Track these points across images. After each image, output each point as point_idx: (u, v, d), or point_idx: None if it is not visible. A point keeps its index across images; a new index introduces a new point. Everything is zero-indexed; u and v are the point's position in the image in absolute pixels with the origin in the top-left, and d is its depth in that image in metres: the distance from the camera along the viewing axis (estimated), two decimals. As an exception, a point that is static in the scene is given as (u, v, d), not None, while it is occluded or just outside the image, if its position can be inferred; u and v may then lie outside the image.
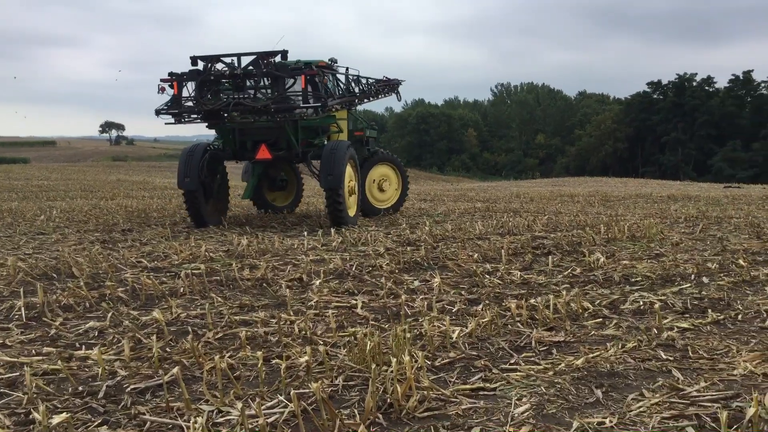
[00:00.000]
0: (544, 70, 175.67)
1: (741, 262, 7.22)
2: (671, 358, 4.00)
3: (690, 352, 4.10)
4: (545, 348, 4.26)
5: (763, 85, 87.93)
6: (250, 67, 10.68)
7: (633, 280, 6.39)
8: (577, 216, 13.91)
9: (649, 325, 4.72)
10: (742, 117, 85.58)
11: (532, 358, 4.05)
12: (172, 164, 72.00)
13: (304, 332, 4.50)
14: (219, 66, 10.82)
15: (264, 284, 6.24)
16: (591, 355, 4.04)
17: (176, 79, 10.80)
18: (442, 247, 8.72)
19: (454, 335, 4.38)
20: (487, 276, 6.51)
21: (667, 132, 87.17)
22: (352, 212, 11.89)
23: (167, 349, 4.26)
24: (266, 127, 11.45)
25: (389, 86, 15.27)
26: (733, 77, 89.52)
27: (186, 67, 10.93)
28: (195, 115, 11.04)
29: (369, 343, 3.84)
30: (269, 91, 10.82)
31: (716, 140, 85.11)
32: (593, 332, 4.59)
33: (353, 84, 13.79)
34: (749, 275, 6.40)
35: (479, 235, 10.21)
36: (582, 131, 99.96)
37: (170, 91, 10.88)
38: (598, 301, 5.46)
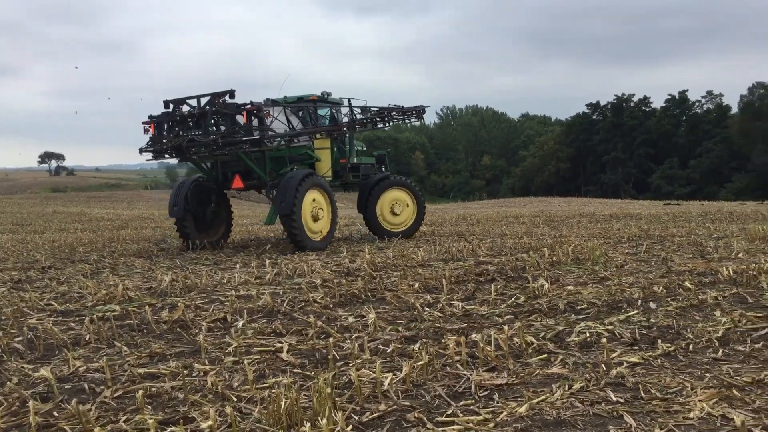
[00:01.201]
0: (487, 93, 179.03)
1: (687, 284, 7.00)
2: (622, 400, 3.64)
3: (642, 392, 3.74)
4: (486, 393, 3.85)
5: (697, 104, 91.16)
6: (207, 107, 11.81)
7: (578, 307, 6.08)
8: (521, 238, 13.70)
9: (597, 361, 4.37)
10: (678, 135, 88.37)
11: (472, 407, 3.63)
12: (113, 194, 70.05)
13: (216, 387, 3.98)
14: (185, 108, 12.12)
15: (181, 327, 5.67)
16: (535, 400, 3.65)
17: (153, 121, 12.19)
18: (382, 277, 8.29)
19: (386, 382, 3.93)
20: (427, 309, 6.10)
21: (607, 151, 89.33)
22: (318, 237, 12.40)
23: (54, 414, 3.68)
24: (241, 159, 12.39)
25: (412, 112, 15.93)
26: (669, 97, 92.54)
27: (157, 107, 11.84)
28: (168, 152, 12.22)
29: (285, 400, 3.36)
30: (222, 128, 11.87)
31: (654, 159, 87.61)
32: (538, 371, 4.20)
33: (353, 114, 14.53)
34: (697, 299, 6.16)
35: (422, 262, 9.84)
36: (526, 152, 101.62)
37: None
38: (543, 333, 5.09)
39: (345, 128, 14.36)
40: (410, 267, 9.26)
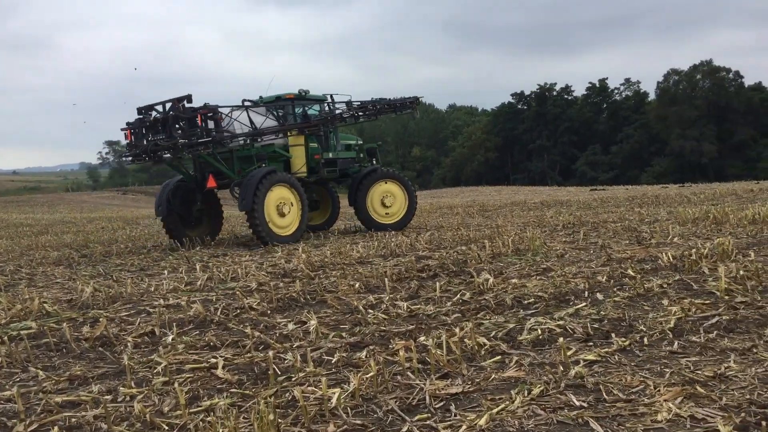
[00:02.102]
0: (414, 84, 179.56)
1: (630, 272, 6.96)
2: (585, 404, 3.44)
3: (604, 393, 3.55)
4: (442, 404, 3.58)
5: (616, 91, 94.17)
6: (171, 112, 12.41)
7: (526, 302, 5.91)
8: (458, 230, 13.59)
9: (553, 360, 4.17)
10: (599, 122, 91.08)
11: (429, 421, 3.35)
12: (33, 197, 66.68)
13: (144, 414, 3.56)
14: (154, 113, 12.72)
15: (105, 345, 5.18)
16: (495, 410, 3.40)
17: (129, 128, 12.96)
18: (320, 278, 7.94)
19: (334, 399, 3.60)
20: (371, 311, 5.80)
21: (532, 140, 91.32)
22: (286, 231, 12.87)
23: (-47, 460, 3.19)
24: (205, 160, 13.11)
25: (401, 105, 16.25)
26: (589, 85, 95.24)
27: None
28: (141, 156, 13.01)
29: (223, 430, 2.99)
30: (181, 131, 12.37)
31: (578, 145, 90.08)
32: (493, 376, 3.97)
33: (331, 110, 14.82)
34: (642, 287, 6.09)
35: (361, 259, 9.54)
36: (455, 143, 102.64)
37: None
38: (494, 332, 4.88)
39: (316, 125, 14.39)
40: (349, 265, 8.95)
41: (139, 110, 12.90)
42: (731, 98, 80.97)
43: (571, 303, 5.77)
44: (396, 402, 3.62)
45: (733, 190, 26.38)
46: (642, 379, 3.74)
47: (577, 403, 3.45)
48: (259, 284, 7.57)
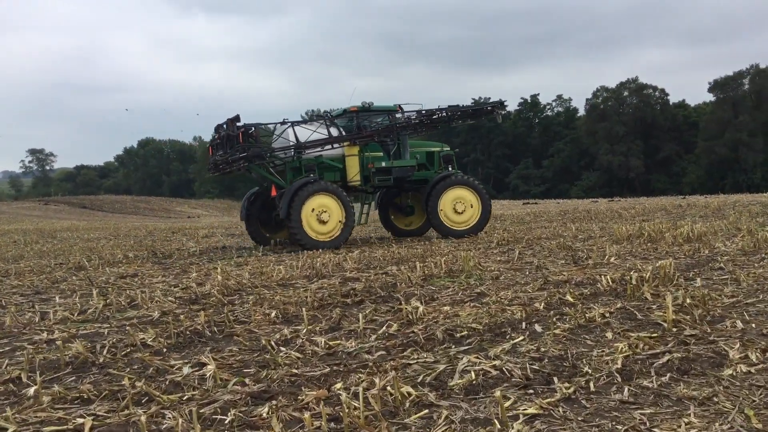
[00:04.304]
0: (347, 96, 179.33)
1: (569, 298, 6.46)
2: (528, 479, 2.81)
3: (550, 463, 2.94)
4: (354, 481, 2.89)
5: (548, 107, 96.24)
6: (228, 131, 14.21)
7: (459, 335, 5.29)
8: (390, 247, 12.98)
9: (488, 415, 3.55)
10: (532, 137, 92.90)
11: None
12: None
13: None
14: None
15: (-49, 399, 4.26)
16: (419, 490, 2.73)
17: (209, 145, 15.65)
18: (234, 305, 7.14)
19: (218, 479, 2.86)
20: (283, 348, 5.06)
21: (467, 153, 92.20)
22: (325, 237, 13.70)
23: None
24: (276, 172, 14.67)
25: (480, 111, 17.51)
26: (522, 100, 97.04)
27: None
28: (212, 169, 15.35)
29: None
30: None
31: (511, 159, 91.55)
32: (419, 437, 3.31)
33: (400, 118, 15.40)
34: (584, 317, 5.57)
35: (282, 281, 8.78)
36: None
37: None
38: (422, 376, 4.23)
39: (368, 136, 14.95)
40: (268, 288, 8.18)
41: (216, 129, 14.99)
42: (657, 115, 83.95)
43: (507, 336, 5.18)
44: (297, 480, 2.91)
45: (662, 205, 26.80)
46: (592, 441, 3.15)
47: (518, 478, 2.82)
48: (162, 313, 6.71)
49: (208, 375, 4.37)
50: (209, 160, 15.29)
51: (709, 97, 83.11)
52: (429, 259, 9.85)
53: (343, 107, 15.60)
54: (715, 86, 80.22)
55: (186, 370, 4.60)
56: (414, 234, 16.58)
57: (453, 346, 4.97)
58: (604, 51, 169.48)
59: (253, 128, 14.09)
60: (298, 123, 15.11)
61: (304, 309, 6.25)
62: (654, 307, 5.91)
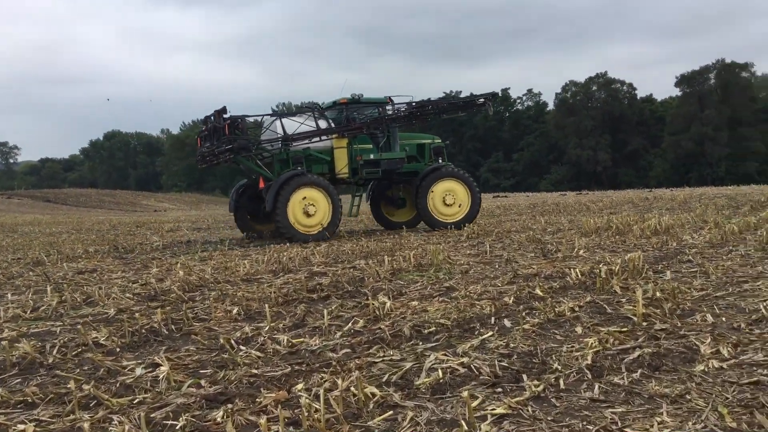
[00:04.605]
0: (323, 89, 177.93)
1: (538, 291, 6.36)
2: (495, 485, 2.66)
3: (518, 467, 2.80)
4: (312, 491, 2.71)
5: (518, 101, 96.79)
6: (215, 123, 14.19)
7: (426, 331, 5.14)
8: (359, 240, 12.80)
9: (455, 415, 3.39)
10: (502, 131, 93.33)
11: None
12: None
13: None
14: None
15: None
16: (381, 499, 2.57)
17: (198, 136, 15.45)
18: (194, 301, 6.90)
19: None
20: (243, 347, 4.85)
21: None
22: (312, 230, 13.61)
23: None
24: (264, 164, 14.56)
25: (470, 104, 16.93)
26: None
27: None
28: (199, 161, 15.07)
29: None
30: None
31: (482, 153, 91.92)
32: (382, 441, 3.14)
33: (391, 110, 15.37)
34: (553, 311, 5.46)
35: (247, 276, 8.54)
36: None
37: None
38: (387, 375, 4.06)
39: (356, 128, 14.75)
40: (231, 284, 7.94)
41: (203, 120, 14.94)
42: (625, 109, 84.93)
43: (476, 332, 5.04)
44: (251, 490, 2.72)
45: (629, 198, 27.05)
46: (563, 443, 3.02)
47: (485, 485, 2.67)
48: (118, 311, 6.45)
49: (161, 376, 4.14)
50: (197, 152, 15.17)
51: (676, 92, 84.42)
52: (398, 253, 9.70)
53: (333, 99, 15.51)
54: (682, 81, 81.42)
55: (139, 371, 4.36)
56: (405, 226, 16.38)
57: (420, 343, 4.81)
58: (574, 46, 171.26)
59: (239, 120, 13.99)
60: (286, 115, 15.04)
61: (267, 305, 6.03)
62: (623, 300, 5.82)
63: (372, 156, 15.07)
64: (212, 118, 14.31)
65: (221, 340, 4.95)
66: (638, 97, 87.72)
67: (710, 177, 71.25)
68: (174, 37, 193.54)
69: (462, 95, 20.21)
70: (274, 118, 14.82)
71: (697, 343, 4.37)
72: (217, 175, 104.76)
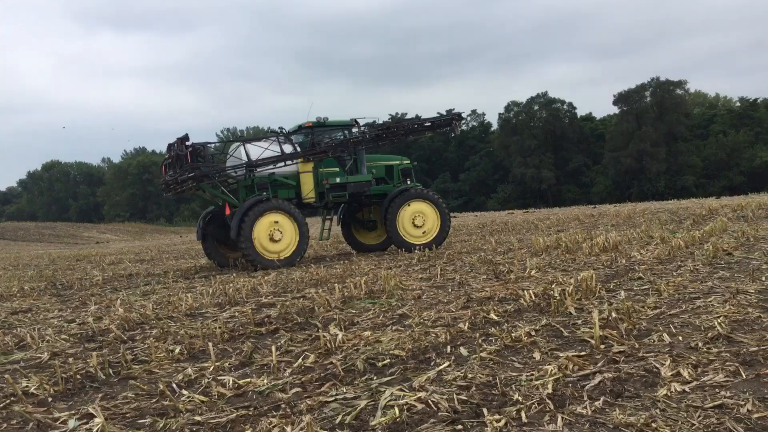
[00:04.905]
0: (265, 113, 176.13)
1: (494, 316, 6.23)
2: None
3: None
4: None
5: (463, 122, 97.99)
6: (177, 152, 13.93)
7: (380, 364, 4.92)
8: (308, 267, 12.53)
9: (415, 459, 3.18)
10: (449, 151, 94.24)
11: None
12: None
13: None
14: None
15: None
16: None
17: (162, 164, 15.19)
18: (134, 341, 6.52)
19: None
20: (185, 391, 4.54)
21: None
22: (277, 256, 13.40)
23: None
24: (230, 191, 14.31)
25: (437, 124, 17.09)
26: (438, 115, 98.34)
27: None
28: (164, 189, 14.95)
29: None
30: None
31: (429, 174, 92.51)
32: (337, 492, 2.90)
33: (356, 132, 15.32)
34: (510, 336, 5.32)
35: (191, 311, 8.18)
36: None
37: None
38: (341, 417, 3.82)
39: (321, 152, 14.59)
40: (174, 320, 7.57)
41: (168, 148, 14.59)
42: (566, 128, 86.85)
43: (432, 363, 4.85)
44: None
45: (575, 215, 27.47)
46: (529, 484, 2.84)
47: None
48: (52, 354, 6.03)
49: (95, 429, 3.81)
50: (162, 180, 14.96)
51: (614, 110, 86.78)
52: (348, 280, 9.48)
53: (299, 123, 15.44)
54: (619, 99, 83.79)
55: (72, 423, 4.02)
56: (377, 248, 16.36)
57: (375, 377, 4.59)
58: (515, 66, 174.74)
59: (201, 147, 13.90)
60: (249, 140, 14.96)
61: (210, 343, 5.72)
62: (579, 322, 5.74)
63: (338, 179, 14.94)
64: (175, 145, 14.09)
65: (161, 385, 4.62)
66: (578, 116, 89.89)
67: (650, 192, 73.26)
68: (112, 64, 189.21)
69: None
70: (238, 144, 14.80)
71: (656, 365, 4.28)
72: (161, 204, 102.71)
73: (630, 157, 77.76)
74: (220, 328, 6.54)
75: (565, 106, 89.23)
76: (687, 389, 3.82)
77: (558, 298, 6.53)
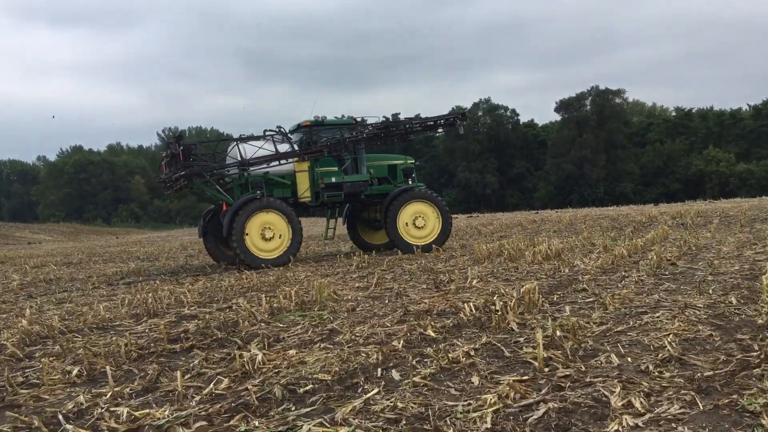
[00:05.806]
0: (208, 113, 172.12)
1: (431, 332, 5.76)
2: None
3: None
4: None
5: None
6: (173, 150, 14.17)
7: (302, 389, 4.38)
8: (242, 275, 11.86)
9: None
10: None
11: None
12: None
13: None
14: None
15: None
16: None
17: (162, 162, 15.24)
18: (32, 359, 5.79)
19: None
20: (71, 425, 3.89)
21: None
22: (270, 255, 13.35)
23: None
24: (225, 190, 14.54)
25: (440, 123, 16.39)
26: (383, 119, 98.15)
27: None
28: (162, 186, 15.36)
29: None
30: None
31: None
32: None
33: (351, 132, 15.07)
34: (446, 357, 4.85)
35: (102, 324, 7.45)
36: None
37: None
38: (247, 459, 3.26)
39: (317, 151, 14.34)
40: (82, 334, 6.84)
41: (167, 146, 14.98)
42: (509, 134, 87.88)
43: (359, 389, 4.34)
44: None
45: (518, 221, 27.44)
46: None
47: None
48: (-72, 378, 5.25)
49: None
50: (161, 177, 14.99)
51: (556, 117, 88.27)
52: (279, 289, 8.88)
53: (297, 122, 15.36)
54: (561, 106, 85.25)
55: None
56: (383, 248, 16.02)
57: (293, 408, 4.05)
58: (459, 72, 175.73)
59: (193, 146, 14.23)
60: (245, 139, 14.78)
61: (109, 365, 5.05)
62: (522, 340, 5.32)
63: (334, 179, 14.69)
64: (171, 144, 14.31)
65: (51, 409, 3.96)
66: (521, 122, 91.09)
67: (590, 198, 74.68)
68: (48, 60, 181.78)
69: (449, 112, 19.76)
70: (234, 144, 14.86)
71: (606, 393, 3.86)
72: (98, 204, 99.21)
73: (571, 163, 79.12)
74: (127, 345, 5.87)
75: (508, 113, 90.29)
76: (640, 423, 3.40)
77: (499, 312, 6.10)
